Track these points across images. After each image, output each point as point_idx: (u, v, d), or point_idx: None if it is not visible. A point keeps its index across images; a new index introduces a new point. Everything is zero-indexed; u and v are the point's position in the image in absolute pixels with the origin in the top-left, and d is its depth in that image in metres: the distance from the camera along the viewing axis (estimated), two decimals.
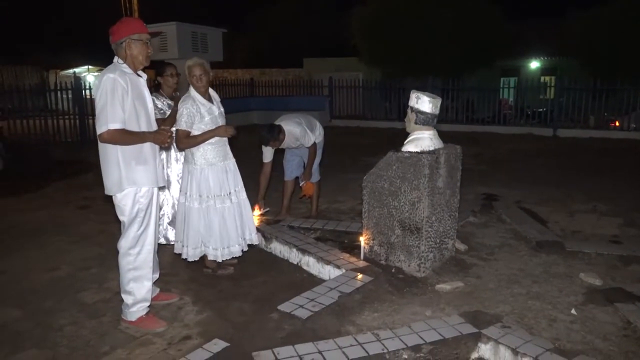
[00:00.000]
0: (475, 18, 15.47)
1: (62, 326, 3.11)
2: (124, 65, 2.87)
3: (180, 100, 3.65)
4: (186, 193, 3.67)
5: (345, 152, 9.78)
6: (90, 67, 22.69)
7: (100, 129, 2.75)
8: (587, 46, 15.29)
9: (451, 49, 15.56)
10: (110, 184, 2.90)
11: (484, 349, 2.69)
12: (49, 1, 25.66)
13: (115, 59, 2.90)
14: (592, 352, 2.61)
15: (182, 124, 3.54)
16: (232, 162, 3.79)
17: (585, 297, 3.26)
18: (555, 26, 17.35)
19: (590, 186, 6.64)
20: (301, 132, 4.64)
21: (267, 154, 4.79)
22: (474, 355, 2.70)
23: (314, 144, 4.81)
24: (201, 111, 3.57)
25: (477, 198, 5.80)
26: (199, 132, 3.56)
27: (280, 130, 4.58)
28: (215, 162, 3.65)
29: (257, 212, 4.79)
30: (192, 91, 3.61)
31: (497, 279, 3.56)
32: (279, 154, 4.99)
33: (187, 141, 3.57)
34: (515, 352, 2.53)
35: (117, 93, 2.75)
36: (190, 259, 3.70)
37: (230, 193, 3.71)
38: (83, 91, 12.03)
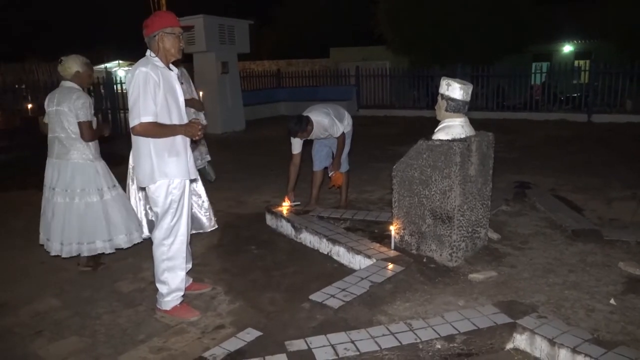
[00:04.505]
0: (505, 1, 15.07)
1: (100, 315, 3.20)
2: (156, 58, 2.92)
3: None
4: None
5: (373, 141, 9.71)
6: (120, 62, 23.14)
7: (133, 122, 2.80)
8: (623, 28, 14.73)
9: (481, 34, 15.20)
10: (142, 176, 2.96)
11: (520, 339, 2.64)
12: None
13: (148, 52, 2.95)
14: (633, 343, 2.53)
15: (88, 115, 3.62)
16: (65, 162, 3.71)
17: (625, 286, 3.16)
18: (589, 8, 16.76)
19: (628, 173, 6.43)
20: (329, 123, 4.63)
21: (296, 145, 4.79)
22: (509, 345, 2.66)
23: (343, 134, 4.79)
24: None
25: (510, 186, 5.68)
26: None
27: (308, 121, 4.57)
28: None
29: (287, 203, 4.81)
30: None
31: (531, 268, 3.48)
32: (308, 144, 4.99)
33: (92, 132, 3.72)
34: (552, 342, 2.47)
35: (149, 86, 2.79)
36: (64, 255, 3.71)
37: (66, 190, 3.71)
38: (114, 86, 12.30)
